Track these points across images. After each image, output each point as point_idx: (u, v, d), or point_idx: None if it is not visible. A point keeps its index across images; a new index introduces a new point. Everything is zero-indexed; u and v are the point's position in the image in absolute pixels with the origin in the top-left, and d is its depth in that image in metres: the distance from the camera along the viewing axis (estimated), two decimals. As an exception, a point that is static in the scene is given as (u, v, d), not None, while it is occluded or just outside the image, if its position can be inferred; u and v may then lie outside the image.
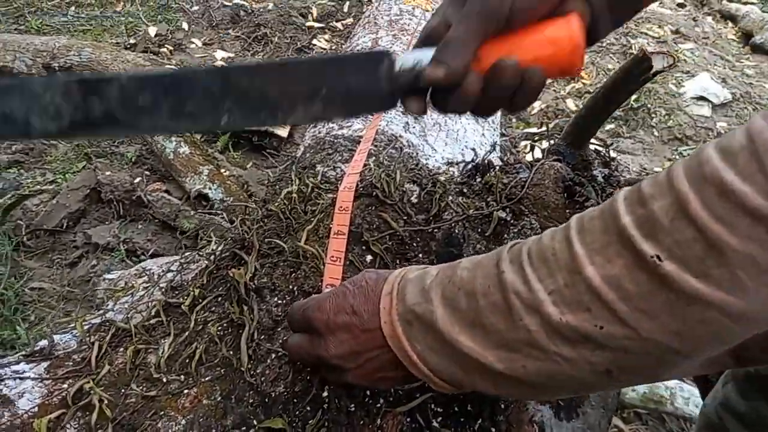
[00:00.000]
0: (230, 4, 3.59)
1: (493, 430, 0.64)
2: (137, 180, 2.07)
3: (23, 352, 0.64)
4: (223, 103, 0.55)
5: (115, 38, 3.30)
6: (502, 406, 0.64)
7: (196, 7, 3.64)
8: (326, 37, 3.29)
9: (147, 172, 2.19)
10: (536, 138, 1.54)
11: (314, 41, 3.20)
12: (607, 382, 0.40)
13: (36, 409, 0.56)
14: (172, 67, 2.40)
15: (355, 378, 0.53)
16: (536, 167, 0.71)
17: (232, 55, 3.20)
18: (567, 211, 0.67)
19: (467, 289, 0.45)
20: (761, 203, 0.30)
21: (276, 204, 0.78)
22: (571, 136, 0.77)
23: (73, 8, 3.71)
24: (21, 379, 0.59)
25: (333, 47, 3.17)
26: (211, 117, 0.55)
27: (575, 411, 0.75)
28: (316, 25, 3.33)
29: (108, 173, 2.00)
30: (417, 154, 0.95)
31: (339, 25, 3.42)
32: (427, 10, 1.65)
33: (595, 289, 0.37)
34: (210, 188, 1.97)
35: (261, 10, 3.51)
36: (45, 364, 0.62)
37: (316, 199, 0.76)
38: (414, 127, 1.08)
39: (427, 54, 0.54)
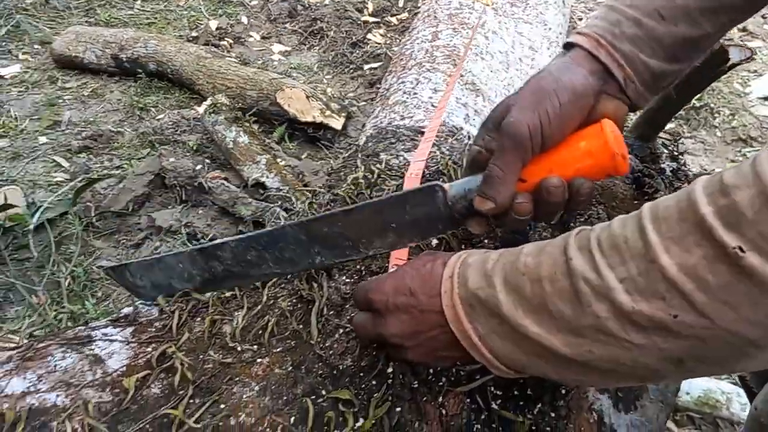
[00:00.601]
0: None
1: (553, 414, 0.65)
2: (198, 167, 2.15)
3: (110, 318, 0.69)
4: (313, 248, 0.66)
5: (179, 31, 3.42)
6: (563, 391, 0.65)
7: (254, 2, 3.73)
8: (381, 31, 3.32)
9: (207, 160, 2.27)
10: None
11: (369, 36, 3.24)
12: (678, 370, 0.40)
13: (124, 368, 0.61)
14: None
15: (414, 356, 0.56)
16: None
17: (288, 48, 3.27)
18: (635, 202, 0.67)
19: (532, 275, 0.45)
20: None
21: (342, 189, 0.81)
22: (641, 128, 0.76)
23: (139, 2, 3.86)
24: (110, 341, 0.64)
25: (387, 42, 3.19)
26: (306, 259, 0.67)
27: (634, 403, 0.75)
28: (371, 19, 3.36)
29: (172, 160, 2.09)
30: (478, 145, 0.97)
31: (394, 19, 3.44)
32: (487, 5, 1.65)
33: (671, 279, 0.37)
34: (267, 177, 2.03)
35: (318, 4, 3.56)
36: (130, 329, 0.67)
37: (381, 184, 0.79)
38: (474, 119, 1.09)
39: (474, 182, 0.60)
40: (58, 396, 0.55)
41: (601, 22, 0.60)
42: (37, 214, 1.97)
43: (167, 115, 2.54)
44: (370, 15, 3.42)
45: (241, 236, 0.68)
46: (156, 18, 3.62)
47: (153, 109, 2.70)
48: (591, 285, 0.41)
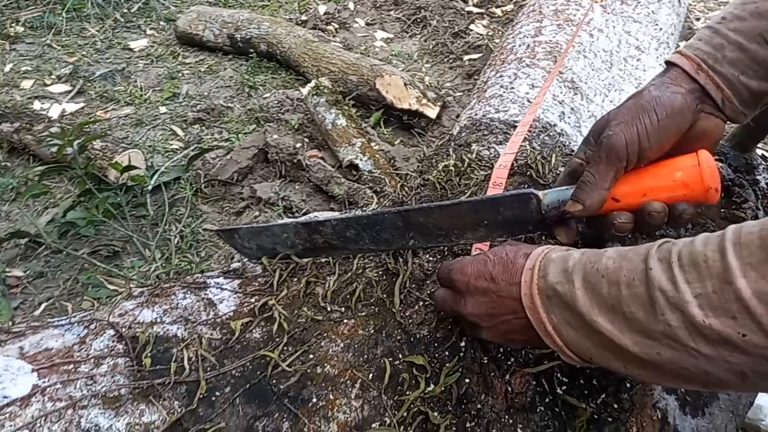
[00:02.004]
0: (397, -13, 3.73)
1: (616, 406, 0.68)
2: (298, 145, 2.27)
3: (222, 270, 0.79)
4: (408, 233, 0.73)
5: (289, 14, 3.59)
6: (628, 385, 0.67)
7: (365, -11, 3.83)
8: (484, 22, 3.31)
9: (306, 139, 2.39)
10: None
11: (471, 26, 3.24)
12: (740, 383, 0.43)
13: (232, 313, 0.70)
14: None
15: (488, 335, 0.61)
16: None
17: (391, 35, 3.34)
18: (722, 210, 0.67)
19: (611, 277, 0.49)
20: None
21: (433, 175, 0.86)
22: (739, 137, 0.76)
23: (255, -16, 4.07)
24: (221, 289, 0.74)
25: (490, 33, 3.18)
26: (401, 242, 0.75)
27: (702, 410, 0.76)
28: (476, 10, 3.36)
29: (275, 137, 2.23)
30: (570, 143, 0.99)
31: (498, 11, 3.42)
32: (596, 1, 1.63)
33: (745, 301, 0.39)
34: (361, 159, 2.11)
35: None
36: (238, 282, 0.76)
37: (470, 173, 0.83)
38: (569, 117, 1.11)
39: (568, 192, 0.64)
40: (178, 329, 0.65)
41: (704, 46, 0.63)
42: (155, 177, 2.17)
43: (273, 95, 2.70)
44: (474, 5, 3.42)
45: (343, 216, 0.75)
46: (270, 0, 3.82)
47: (261, 88, 2.86)
48: (666, 295, 0.44)
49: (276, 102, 2.62)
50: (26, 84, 2.87)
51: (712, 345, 0.41)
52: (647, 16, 1.68)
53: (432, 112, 2.43)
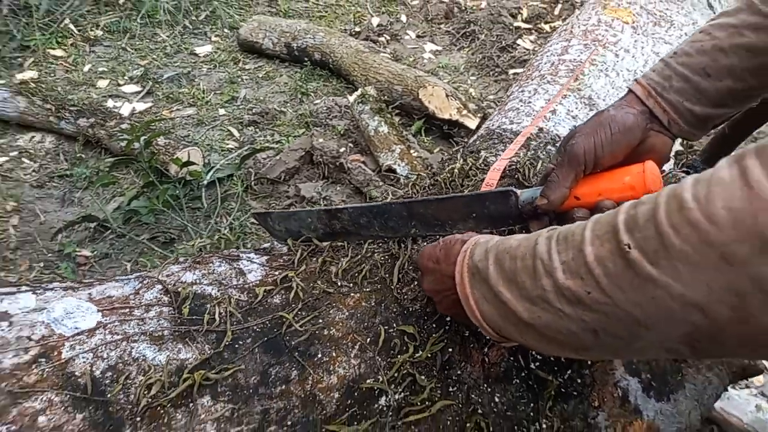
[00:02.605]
0: (447, 0, 3.86)
1: (579, 381, 0.78)
2: (342, 150, 2.43)
3: (254, 247, 0.93)
4: (410, 222, 0.87)
5: (344, 25, 3.76)
6: (589, 362, 0.77)
7: (416, 1, 3.97)
8: (531, 38, 3.39)
9: (351, 144, 2.55)
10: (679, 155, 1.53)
11: (518, 41, 3.33)
12: (594, 341, 0.50)
13: (258, 281, 0.84)
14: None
15: (440, 308, 0.73)
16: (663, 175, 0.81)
17: (440, 48, 3.46)
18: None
19: (512, 253, 0.58)
20: (701, 219, 0.40)
21: (441, 176, 0.98)
22: (707, 153, 0.84)
23: (315, -4, 4.28)
24: (251, 262, 0.88)
25: (536, 48, 3.26)
26: (405, 230, 0.88)
27: (667, 396, 0.84)
28: (524, 25, 3.44)
29: (321, 140, 2.39)
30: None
31: (547, 27, 3.48)
32: (626, 22, 1.70)
33: (588, 264, 0.48)
34: (399, 165, 2.24)
35: (474, 8, 3.71)
36: (266, 258, 0.90)
37: (473, 176, 0.95)
38: (579, 131, 1.20)
39: (539, 190, 0.77)
40: (212, 289, 0.80)
41: (656, 76, 0.75)
42: (210, 173, 2.37)
43: (323, 101, 2.87)
44: (523, 21, 3.50)
45: (357, 205, 0.88)
46: (326, 12, 4.01)
47: (313, 94, 3.04)
48: (543, 264, 0.53)
49: (325, 108, 2.78)
50: (102, 83, 3.15)
51: (570, 304, 0.50)
52: (679, 38, 1.74)
53: (472, 122, 2.53)
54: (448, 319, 0.79)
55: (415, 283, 0.83)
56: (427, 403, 0.80)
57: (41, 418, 0.60)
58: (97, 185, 2.37)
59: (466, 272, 0.63)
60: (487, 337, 0.79)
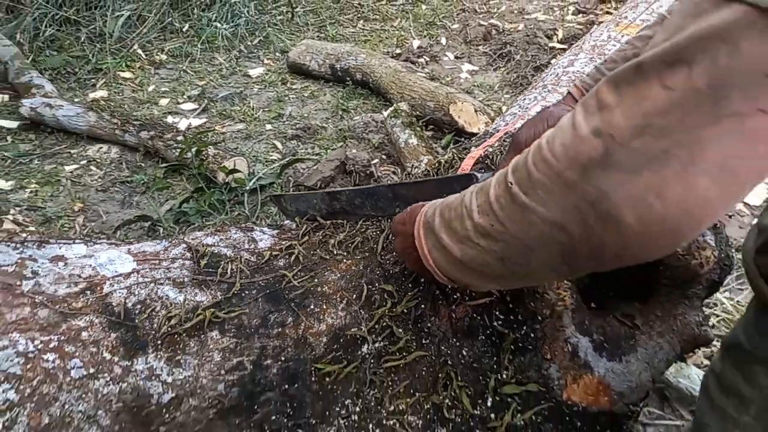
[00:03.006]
0: (486, 23, 4.01)
1: (533, 335, 0.89)
2: (375, 161, 2.59)
3: (268, 223, 1.09)
4: (395, 202, 1.02)
5: (387, 47, 3.97)
6: (540, 318, 0.88)
7: (456, 25, 4.15)
8: (567, 58, 3.49)
9: (384, 156, 2.71)
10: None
11: (553, 61, 3.43)
12: (504, 269, 0.61)
13: (266, 248, 1.00)
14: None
15: (408, 265, 0.84)
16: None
17: (476, 68, 3.61)
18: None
19: (450, 206, 0.69)
20: (548, 156, 0.51)
21: (432, 166, 1.12)
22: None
23: (361, 22, 4.52)
24: (263, 234, 1.04)
25: (570, 68, 3.35)
26: (391, 209, 1.03)
27: (619, 357, 0.94)
28: (558, 46, 3.54)
29: (354, 151, 2.56)
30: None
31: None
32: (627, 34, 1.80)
33: (491, 203, 0.59)
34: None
35: (511, 30, 3.85)
36: (276, 231, 1.07)
37: (455, 165, 1.08)
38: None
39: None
40: (227, 250, 0.96)
41: (588, 80, 0.91)
42: (253, 180, 2.58)
43: (361, 117, 3.05)
44: (558, 42, 3.60)
45: (352, 188, 1.04)
46: (371, 36, 4.24)
47: (353, 111, 3.24)
48: (467, 209, 0.64)
49: (362, 123, 2.97)
50: (163, 102, 3.46)
51: (483, 238, 0.61)
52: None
53: (499, 136, 2.65)
54: (422, 280, 0.93)
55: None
56: (403, 353, 0.93)
57: (84, 333, 0.77)
58: (153, 190, 2.62)
59: (421, 228, 0.75)
60: (453, 295, 0.92)
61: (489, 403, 0.93)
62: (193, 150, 2.45)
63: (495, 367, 0.92)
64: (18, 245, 0.81)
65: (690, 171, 0.44)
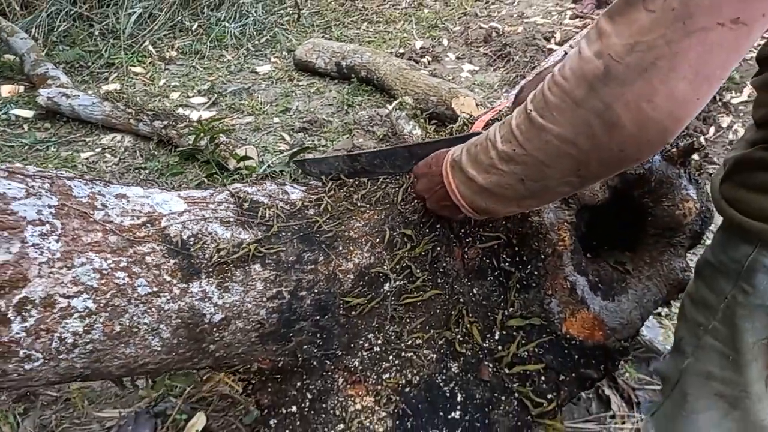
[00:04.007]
0: (486, 26, 4.16)
1: (536, 273, 1.01)
2: (380, 151, 2.72)
3: (304, 183, 1.21)
4: (412, 161, 1.10)
5: (391, 48, 4.11)
6: (542, 256, 1.00)
7: (457, 27, 4.29)
8: (563, 59, 3.63)
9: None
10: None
11: (549, 55, 3.57)
12: (525, 189, 0.72)
13: (297, 199, 1.12)
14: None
15: (430, 203, 0.94)
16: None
17: (477, 68, 3.75)
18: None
19: (475, 143, 0.80)
20: (560, 80, 0.62)
21: (445, 133, 1.25)
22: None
23: (365, 24, 4.66)
24: (294, 188, 1.16)
25: (567, 68, 3.49)
26: (407, 167, 1.12)
27: (612, 297, 1.06)
28: (556, 47, 3.69)
29: (361, 140, 2.69)
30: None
31: (579, 50, 3.72)
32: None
33: (513, 131, 0.70)
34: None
35: (510, 32, 4.00)
36: (305, 188, 1.18)
37: (467, 131, 1.21)
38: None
39: None
40: (264, 198, 1.08)
41: None
42: (263, 168, 2.70)
43: (366, 111, 3.18)
44: (556, 44, 3.75)
45: (371, 150, 1.15)
46: (375, 37, 4.38)
47: (357, 107, 3.37)
48: (491, 141, 0.76)
49: (367, 117, 3.09)
50: (174, 95, 3.58)
51: (506, 163, 0.73)
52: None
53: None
54: (438, 225, 1.05)
55: (415, 201, 1.08)
56: (420, 292, 1.05)
57: (147, 258, 0.89)
58: (167, 176, 2.73)
59: (449, 167, 0.86)
60: (466, 239, 1.04)
61: (497, 337, 1.05)
62: (208, 137, 2.57)
63: (502, 303, 1.04)
64: (88, 182, 0.92)
65: (672, 78, 0.56)
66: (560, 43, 3.74)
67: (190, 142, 2.72)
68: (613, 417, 1.62)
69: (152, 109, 3.11)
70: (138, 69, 3.85)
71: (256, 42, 4.30)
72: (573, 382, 1.07)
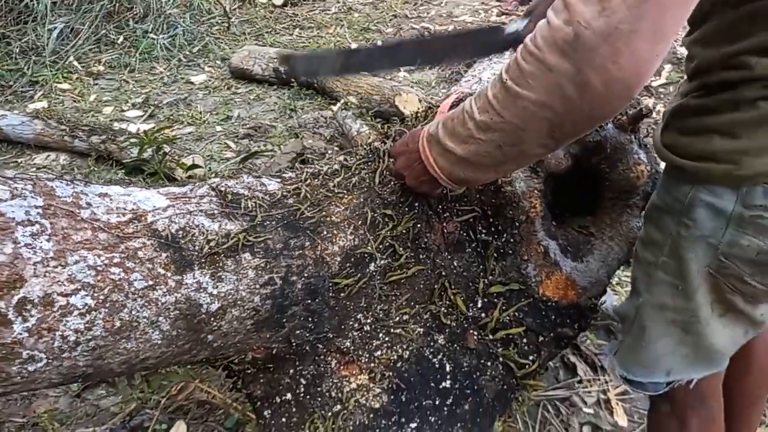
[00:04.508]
0: (418, 27, 4.27)
1: (512, 240, 1.08)
2: (330, 152, 2.75)
3: (277, 175, 1.23)
4: (417, 55, 1.11)
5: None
6: (516, 224, 1.07)
7: (390, 29, 4.38)
8: (494, 54, 3.80)
9: (337, 148, 2.87)
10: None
11: (483, 57, 3.73)
12: (503, 155, 0.77)
13: (276, 190, 1.14)
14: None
15: (408, 180, 0.98)
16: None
17: (413, 67, 3.84)
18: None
19: (451, 116, 0.84)
20: (532, 48, 0.67)
21: (420, 112, 1.30)
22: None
23: (297, 30, 4.67)
24: (270, 179, 1.17)
25: (499, 63, 3.66)
26: (410, 61, 1.11)
27: (581, 258, 1.15)
28: (487, 44, 3.85)
29: (311, 141, 2.71)
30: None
31: (508, 45, 3.90)
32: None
33: (490, 101, 0.75)
34: (380, 158, 2.56)
35: (441, 32, 4.13)
36: (279, 179, 1.20)
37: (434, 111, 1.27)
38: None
39: (523, 22, 1.05)
40: (244, 190, 1.09)
41: None
42: (212, 175, 2.67)
43: (310, 114, 3.20)
44: (486, 41, 3.90)
45: (374, 45, 1.19)
46: (309, 42, 4.40)
47: (300, 111, 3.38)
48: (467, 113, 0.80)
49: (312, 119, 3.12)
50: (107, 110, 3.47)
51: (484, 132, 0.77)
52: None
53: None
54: (417, 204, 1.09)
55: (391, 183, 1.13)
56: (404, 269, 1.09)
57: (140, 252, 0.89)
58: (111, 191, 2.65)
59: (425, 142, 0.91)
60: (444, 214, 1.10)
61: (479, 305, 1.11)
62: (153, 148, 2.51)
63: (482, 273, 1.10)
64: (70, 182, 0.91)
65: (633, 39, 0.63)
66: (490, 40, 3.90)
67: (134, 155, 2.65)
68: (580, 382, 1.72)
69: (87, 124, 3.00)
70: (65, 86, 3.70)
71: (188, 52, 4.22)
72: (551, 341, 1.14)
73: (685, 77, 0.88)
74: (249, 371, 1.10)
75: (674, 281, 0.87)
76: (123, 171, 2.75)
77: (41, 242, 0.79)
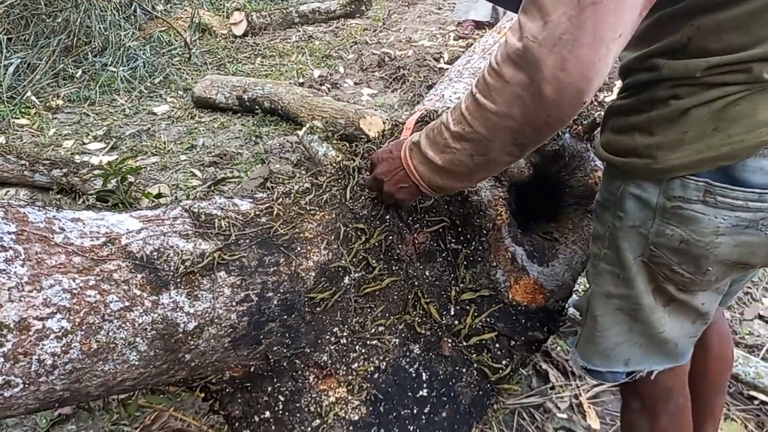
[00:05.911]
0: (378, 52, 4.36)
1: (481, 248, 1.12)
2: (297, 176, 2.77)
3: (248, 196, 1.24)
4: None
5: (289, 80, 4.18)
6: (484, 231, 1.11)
7: (351, 55, 4.46)
8: (454, 76, 3.91)
9: (304, 172, 2.89)
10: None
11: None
12: (474, 164, 0.83)
13: (248, 209, 1.15)
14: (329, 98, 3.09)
15: (388, 187, 1.01)
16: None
17: (375, 91, 3.91)
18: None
19: (432, 127, 0.90)
20: (495, 65, 0.73)
21: (386, 131, 1.34)
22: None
23: (259, 59, 4.71)
24: (242, 199, 1.19)
25: (458, 85, 3.76)
26: None
27: (546, 263, 1.19)
28: (446, 66, 3.95)
29: (278, 166, 2.73)
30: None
31: (466, 67, 4.02)
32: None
33: (462, 112, 0.81)
34: (348, 180, 2.59)
35: (402, 56, 4.22)
36: (251, 199, 1.22)
37: (394, 132, 1.31)
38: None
39: None
40: (217, 211, 1.10)
41: None
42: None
43: (275, 140, 3.22)
44: (446, 63, 4.01)
45: None
46: (271, 70, 4.44)
47: (266, 137, 3.40)
48: (444, 124, 0.86)
49: (278, 145, 3.13)
50: (68, 143, 3.42)
51: (458, 141, 0.83)
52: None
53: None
54: (388, 216, 1.12)
55: (363, 197, 1.16)
56: (378, 281, 1.11)
57: (115, 275, 0.89)
58: (75, 224, 2.61)
59: (408, 150, 0.95)
60: (414, 225, 1.13)
61: (452, 312, 1.14)
62: (118, 178, 2.49)
63: (453, 281, 1.14)
64: (41, 208, 0.91)
65: (576, 46, 0.68)
66: (450, 62, 4.00)
67: (97, 187, 2.62)
68: (552, 388, 1.76)
69: (48, 158, 2.95)
70: (23, 120, 3.64)
71: (149, 84, 4.21)
72: (523, 345, 1.18)
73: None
74: (226, 391, 1.10)
75: (615, 270, 0.92)
76: (84, 206, 2.70)
77: (15, 267, 0.79)
